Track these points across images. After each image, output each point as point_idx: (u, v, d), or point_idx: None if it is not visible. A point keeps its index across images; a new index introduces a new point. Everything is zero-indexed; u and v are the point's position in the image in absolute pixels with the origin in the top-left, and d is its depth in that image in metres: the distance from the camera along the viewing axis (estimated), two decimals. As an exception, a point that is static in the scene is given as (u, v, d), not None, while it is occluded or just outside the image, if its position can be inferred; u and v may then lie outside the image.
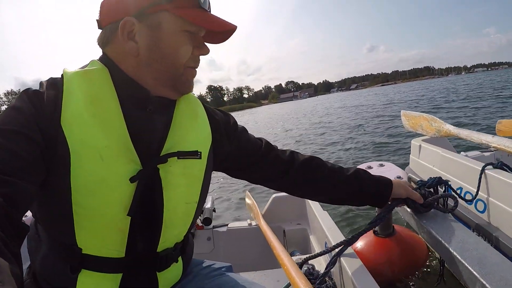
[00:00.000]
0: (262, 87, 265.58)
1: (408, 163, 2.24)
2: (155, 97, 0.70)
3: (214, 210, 1.89)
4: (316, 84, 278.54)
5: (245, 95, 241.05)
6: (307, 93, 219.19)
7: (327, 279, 1.13)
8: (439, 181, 1.17)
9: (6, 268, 0.32)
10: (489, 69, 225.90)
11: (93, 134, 0.60)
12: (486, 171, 1.39)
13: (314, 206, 1.63)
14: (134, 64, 0.67)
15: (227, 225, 1.86)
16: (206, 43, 0.73)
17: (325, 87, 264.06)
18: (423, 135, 2.12)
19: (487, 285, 0.77)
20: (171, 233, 0.72)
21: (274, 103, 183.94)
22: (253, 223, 1.83)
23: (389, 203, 1.05)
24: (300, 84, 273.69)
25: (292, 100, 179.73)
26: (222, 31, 0.70)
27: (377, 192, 1.01)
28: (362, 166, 1.59)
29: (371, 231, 1.72)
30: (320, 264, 1.34)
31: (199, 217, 1.78)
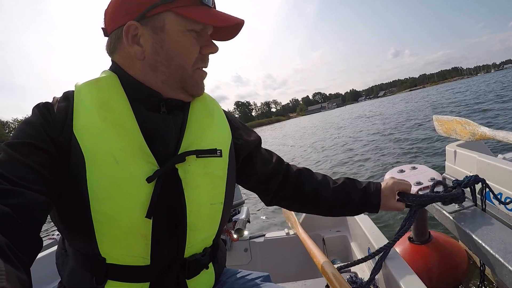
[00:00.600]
0: (290, 100, 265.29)
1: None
2: (168, 99, 0.68)
3: (248, 221, 1.86)
4: (343, 93, 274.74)
5: (273, 109, 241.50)
6: (335, 104, 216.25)
7: (371, 287, 1.07)
8: (475, 179, 1.10)
9: (13, 275, 0.32)
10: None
11: (105, 138, 0.59)
12: (526, 173, 1.35)
13: None
14: (141, 68, 0.66)
15: (264, 235, 1.82)
16: (215, 41, 0.70)
17: (353, 96, 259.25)
18: (457, 140, 2.07)
19: None
20: (198, 237, 0.69)
21: (302, 115, 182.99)
22: (291, 232, 1.78)
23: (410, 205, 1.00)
24: (327, 94, 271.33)
25: (320, 111, 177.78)
26: (227, 26, 0.67)
27: (364, 198, 0.93)
28: (394, 170, 1.58)
29: (406, 239, 1.69)
30: (363, 272, 1.30)
31: (232, 228, 1.78)
